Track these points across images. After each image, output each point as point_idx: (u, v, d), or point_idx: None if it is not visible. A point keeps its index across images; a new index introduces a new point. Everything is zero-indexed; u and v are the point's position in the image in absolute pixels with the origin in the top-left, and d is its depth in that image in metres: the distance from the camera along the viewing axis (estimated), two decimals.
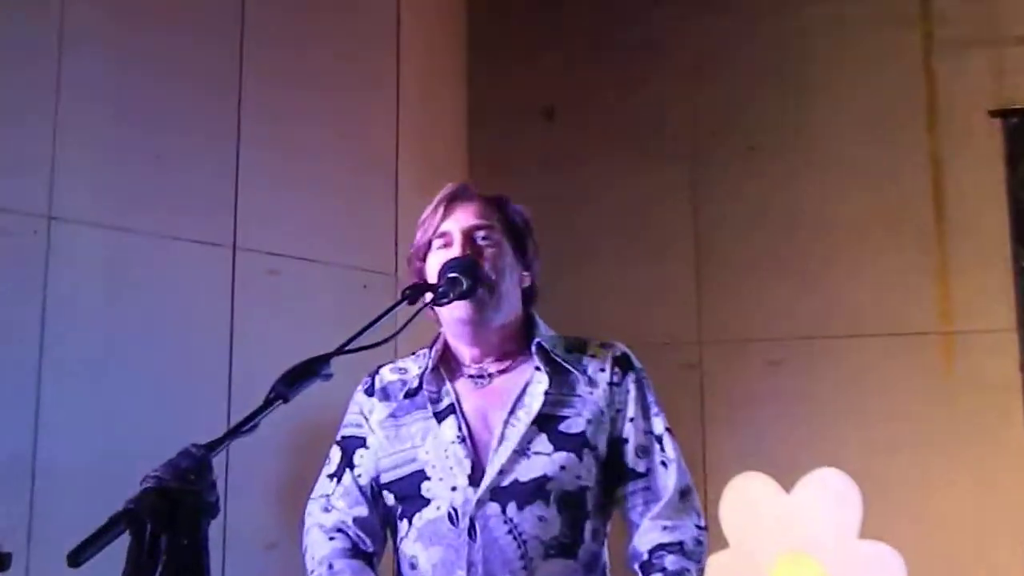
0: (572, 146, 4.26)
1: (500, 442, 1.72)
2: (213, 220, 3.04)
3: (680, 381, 3.93)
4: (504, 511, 1.68)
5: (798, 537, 3.86)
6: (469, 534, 1.67)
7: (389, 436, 1.81)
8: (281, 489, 3.02)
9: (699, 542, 1.75)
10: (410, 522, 1.74)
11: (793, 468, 3.89)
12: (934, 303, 3.88)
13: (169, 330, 2.90)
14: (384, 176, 3.51)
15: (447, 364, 1.84)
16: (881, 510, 3.79)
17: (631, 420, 1.79)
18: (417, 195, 3.51)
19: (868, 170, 4.00)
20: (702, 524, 1.78)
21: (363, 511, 1.82)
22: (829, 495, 3.84)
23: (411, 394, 1.82)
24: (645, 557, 1.74)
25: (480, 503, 1.69)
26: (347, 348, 1.51)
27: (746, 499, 3.92)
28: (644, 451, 1.78)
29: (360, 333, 1.54)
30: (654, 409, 1.82)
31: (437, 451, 1.74)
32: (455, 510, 1.69)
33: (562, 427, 1.74)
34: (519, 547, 1.66)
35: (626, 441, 1.78)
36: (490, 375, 1.81)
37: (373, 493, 1.82)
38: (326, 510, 1.84)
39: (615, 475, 1.78)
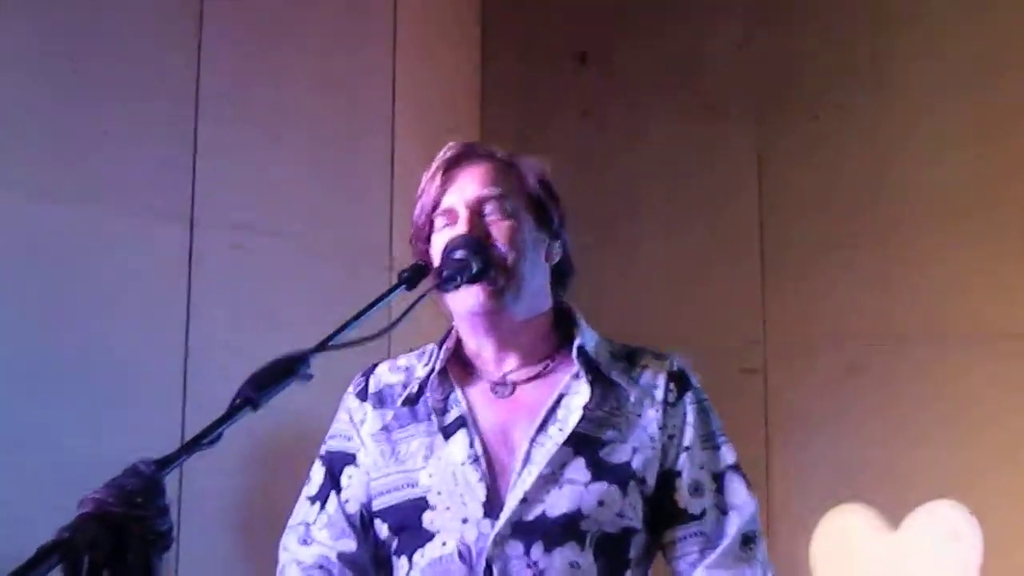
0: (607, 98, 4.24)
1: (524, 464, 1.70)
2: (167, 189, 3.05)
3: (738, 390, 3.85)
4: (528, 552, 1.66)
5: None
6: None
7: (384, 452, 1.78)
8: (245, 514, 3.02)
9: None
10: (410, 560, 1.72)
11: (892, 500, 3.86)
12: None
13: (111, 319, 2.91)
14: (377, 135, 3.51)
15: (460, 367, 1.82)
16: (1006, 550, 3.75)
17: (687, 450, 1.77)
18: (418, 158, 3.46)
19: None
20: None
21: (350, 545, 1.80)
22: (943, 532, 3.82)
23: (411, 401, 1.81)
24: None
25: (499, 540, 1.66)
26: (331, 343, 1.49)
27: (841, 539, 3.89)
28: (699, 489, 1.76)
29: (347, 325, 1.52)
30: (718, 438, 1.80)
31: (443, 474, 1.71)
32: (467, 548, 1.67)
33: (603, 453, 1.71)
34: None
35: (679, 475, 1.76)
36: (514, 383, 1.78)
37: (363, 522, 1.80)
38: (305, 543, 1.82)
39: (663, 515, 1.76)
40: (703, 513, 1.75)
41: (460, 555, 1.67)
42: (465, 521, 1.69)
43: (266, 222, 3.23)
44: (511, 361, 1.80)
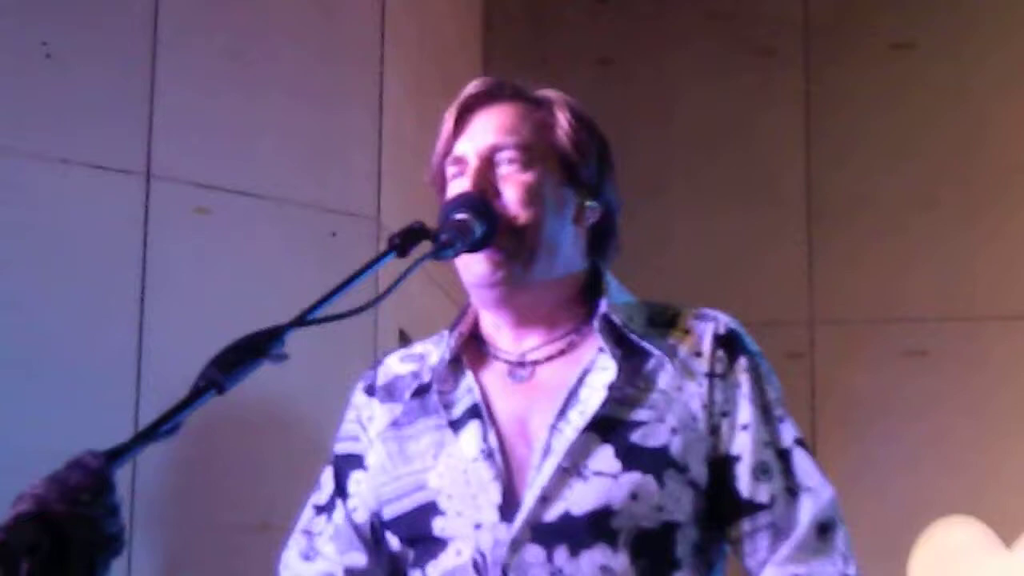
0: (631, 40, 4.24)
1: (544, 456, 1.68)
2: (117, 138, 3.04)
3: (782, 375, 3.90)
4: (551, 558, 1.64)
5: None
6: None
7: (392, 452, 1.77)
8: (207, 514, 3.03)
9: None
10: (424, 573, 1.72)
11: (1003, 514, 3.88)
12: None
13: (52, 288, 2.91)
14: (363, 78, 3.50)
15: (475, 349, 1.80)
16: None
17: (744, 428, 1.73)
18: (411, 105, 3.50)
19: None
20: (851, 573, 1.73)
21: (359, 559, 1.80)
22: None
23: (421, 392, 1.79)
24: None
25: (516, 546, 1.65)
26: (308, 318, 1.49)
27: (946, 557, 3.92)
28: (765, 471, 1.73)
29: (328, 297, 1.51)
30: (779, 410, 1.77)
31: (453, 473, 1.70)
32: (482, 556, 1.66)
33: (635, 437, 1.68)
34: None
35: (738, 459, 1.72)
36: (534, 363, 1.76)
37: (374, 533, 1.80)
38: (308, 558, 1.82)
39: (724, 508, 1.73)
40: (772, 500, 1.72)
41: (475, 565, 1.66)
42: (479, 527, 1.67)
43: (235, 180, 3.22)
44: (532, 338, 1.77)
